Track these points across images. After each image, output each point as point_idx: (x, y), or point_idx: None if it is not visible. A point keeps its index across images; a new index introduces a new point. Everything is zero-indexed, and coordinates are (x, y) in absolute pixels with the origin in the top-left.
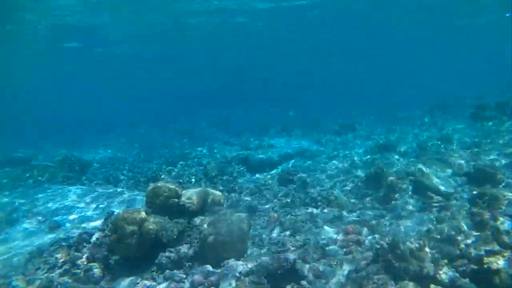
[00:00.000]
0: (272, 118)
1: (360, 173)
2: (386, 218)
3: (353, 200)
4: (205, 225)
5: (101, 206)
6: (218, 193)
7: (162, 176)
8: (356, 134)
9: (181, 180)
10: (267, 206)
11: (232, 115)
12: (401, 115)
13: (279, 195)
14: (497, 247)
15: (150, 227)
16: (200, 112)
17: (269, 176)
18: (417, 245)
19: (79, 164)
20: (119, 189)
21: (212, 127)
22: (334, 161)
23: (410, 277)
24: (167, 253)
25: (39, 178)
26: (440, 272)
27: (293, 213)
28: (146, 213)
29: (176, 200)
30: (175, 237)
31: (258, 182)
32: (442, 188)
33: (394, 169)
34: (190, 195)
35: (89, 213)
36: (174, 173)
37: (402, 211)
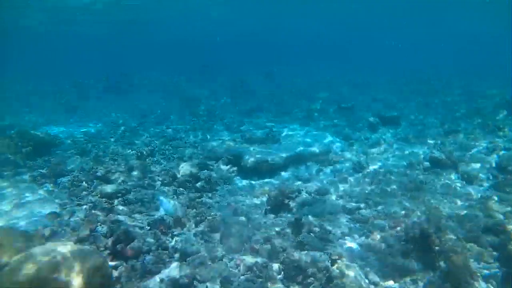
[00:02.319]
0: (296, 97)
1: (399, 210)
2: None
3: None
4: None
5: None
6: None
7: (113, 177)
8: (398, 132)
9: (141, 183)
10: (214, 274)
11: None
12: (470, 104)
13: (252, 240)
14: None
15: None
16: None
17: (262, 190)
18: None
19: (33, 144)
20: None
21: (224, 97)
22: (358, 176)
23: None
24: None
25: None
26: None
27: None
28: None
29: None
30: None
31: (238, 203)
32: None
33: (457, 213)
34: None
35: None
36: (136, 171)
37: None
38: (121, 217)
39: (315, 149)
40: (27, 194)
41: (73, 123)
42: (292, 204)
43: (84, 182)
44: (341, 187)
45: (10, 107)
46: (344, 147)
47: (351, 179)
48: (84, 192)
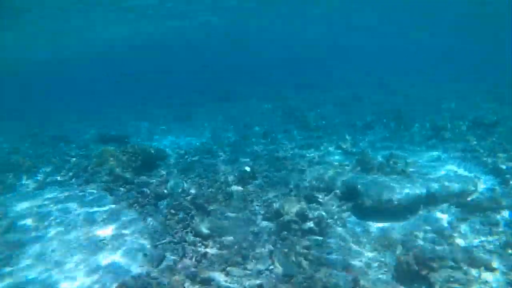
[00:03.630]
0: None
1: None
2: None
3: None
4: None
5: None
6: None
7: (210, 208)
8: None
9: (240, 215)
10: None
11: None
12: None
13: None
14: None
15: None
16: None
17: (384, 240)
18: None
19: (142, 159)
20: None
21: (332, 108)
22: None
23: None
24: None
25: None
26: None
27: None
28: None
29: None
30: None
31: (353, 257)
32: None
33: None
34: None
35: None
36: (235, 200)
37: None
38: (213, 275)
39: (453, 186)
40: (127, 223)
41: (180, 133)
42: (432, 278)
43: (181, 212)
44: (507, 254)
45: (127, 115)
46: (495, 185)
47: None
48: (180, 225)
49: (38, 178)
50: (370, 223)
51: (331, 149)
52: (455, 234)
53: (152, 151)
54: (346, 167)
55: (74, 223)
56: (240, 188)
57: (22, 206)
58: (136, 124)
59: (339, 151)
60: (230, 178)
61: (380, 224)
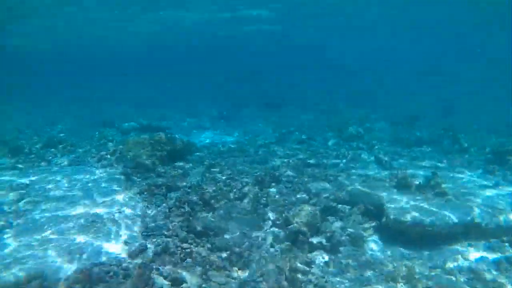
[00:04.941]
0: None
1: None
2: None
3: None
4: None
5: None
6: None
7: (217, 205)
8: None
9: (247, 219)
10: None
11: None
12: None
13: None
14: None
15: None
16: None
17: (403, 271)
18: None
19: (169, 149)
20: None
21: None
22: None
23: None
24: None
25: None
26: None
27: None
28: None
29: None
30: None
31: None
32: None
33: None
34: None
35: None
36: (246, 202)
37: None
38: (189, 276)
39: (507, 218)
40: (128, 209)
41: (219, 131)
42: None
43: (186, 205)
44: None
45: (174, 109)
46: None
47: None
48: (179, 219)
49: (71, 156)
50: (394, 247)
51: (368, 161)
52: (500, 281)
53: (180, 143)
54: (380, 182)
55: (77, 199)
56: (256, 189)
57: (38, 177)
58: (180, 118)
59: (376, 165)
60: (250, 178)
61: (405, 251)
